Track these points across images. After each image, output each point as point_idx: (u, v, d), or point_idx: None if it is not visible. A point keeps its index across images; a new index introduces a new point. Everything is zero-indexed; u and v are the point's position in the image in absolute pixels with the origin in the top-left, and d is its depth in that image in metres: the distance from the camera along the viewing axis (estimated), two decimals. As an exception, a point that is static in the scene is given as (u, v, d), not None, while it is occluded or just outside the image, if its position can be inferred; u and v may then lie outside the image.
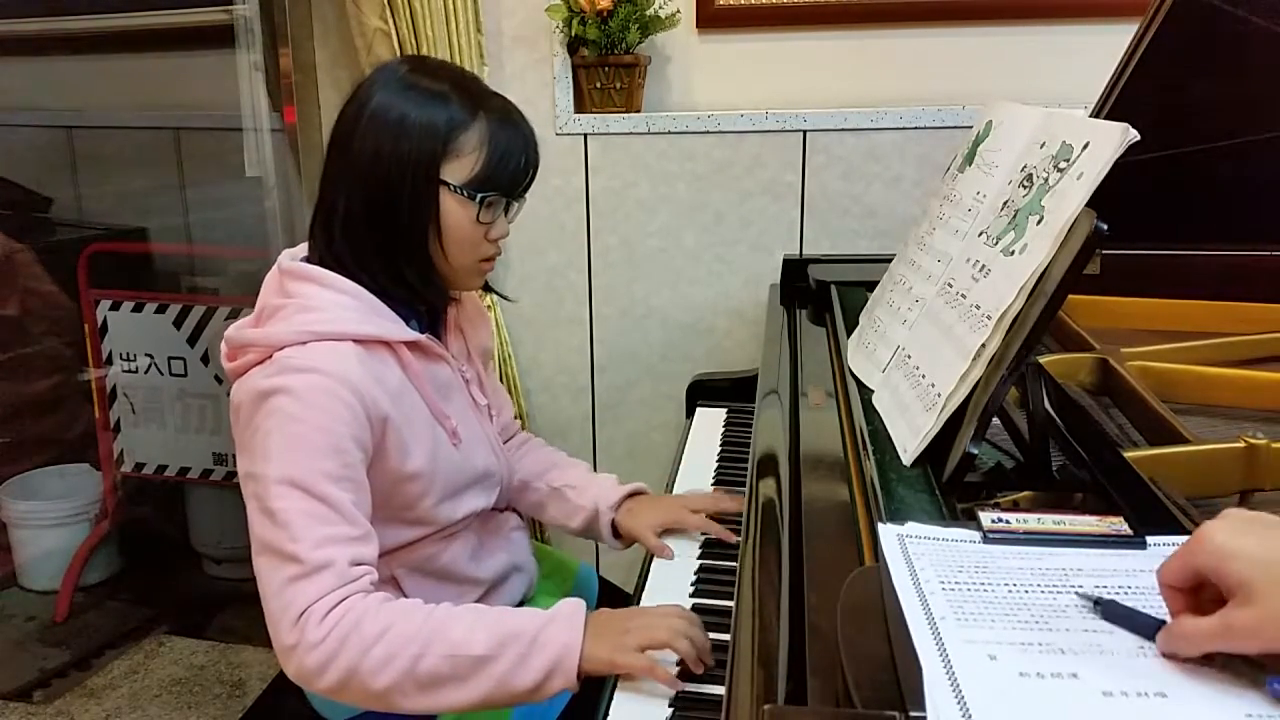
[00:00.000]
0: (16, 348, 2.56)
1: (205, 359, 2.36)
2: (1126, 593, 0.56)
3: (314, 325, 0.97)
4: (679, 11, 1.86)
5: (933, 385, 0.87)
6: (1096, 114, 1.15)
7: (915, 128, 1.83)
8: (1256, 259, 1.31)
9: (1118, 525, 0.63)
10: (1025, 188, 0.86)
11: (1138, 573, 0.58)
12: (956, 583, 0.57)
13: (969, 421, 0.80)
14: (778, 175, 1.89)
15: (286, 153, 2.05)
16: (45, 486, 2.50)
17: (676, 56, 1.94)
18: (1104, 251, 1.23)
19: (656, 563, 1.11)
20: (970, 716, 0.46)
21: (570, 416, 2.10)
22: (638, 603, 1.03)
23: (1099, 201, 0.75)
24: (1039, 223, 0.80)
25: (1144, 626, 0.52)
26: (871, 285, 1.26)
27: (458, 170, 1.00)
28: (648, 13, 1.82)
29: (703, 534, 1.15)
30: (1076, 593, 0.56)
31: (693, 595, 1.04)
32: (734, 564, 0.98)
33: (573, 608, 0.92)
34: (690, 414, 1.57)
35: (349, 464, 0.94)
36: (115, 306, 2.39)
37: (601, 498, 1.22)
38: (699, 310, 2.00)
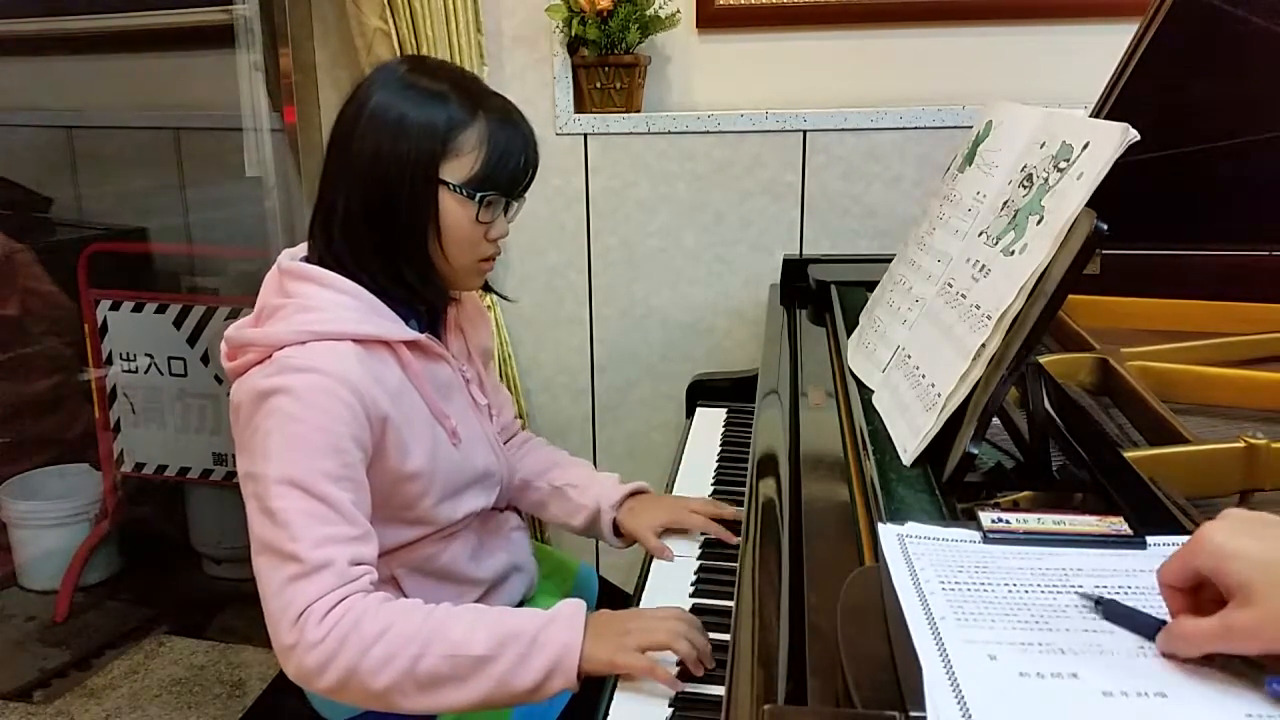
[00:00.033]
0: (16, 348, 2.56)
1: (205, 359, 2.36)
2: (1126, 593, 0.56)
3: (314, 325, 0.97)
4: (679, 11, 1.86)
5: (933, 385, 0.87)
6: (1096, 114, 1.15)
7: (915, 128, 1.83)
8: (1256, 259, 1.31)
9: (1118, 525, 0.63)
10: (1025, 188, 0.86)
11: (1138, 573, 0.58)
12: (956, 583, 0.57)
13: (969, 421, 0.80)
14: (778, 175, 1.89)
15: (286, 153, 2.05)
16: (45, 486, 2.50)
17: (676, 56, 1.94)
18: (1104, 251, 1.23)
19: (656, 563, 1.11)
20: (970, 716, 0.46)
21: (570, 416, 2.10)
22: (638, 603, 1.03)
23: (1099, 201, 0.75)
24: (1039, 223, 0.80)
25: (1144, 627, 0.52)
26: (871, 285, 1.26)
27: (457, 170, 1.00)
28: (648, 13, 1.82)
29: (703, 534, 1.15)
30: (1077, 593, 0.56)
31: (693, 595, 1.04)
32: (734, 564, 0.98)
33: (573, 608, 0.92)
34: (690, 414, 1.57)
35: (349, 464, 0.94)
36: (115, 306, 2.39)
37: (603, 496, 1.22)
38: (699, 310, 2.00)
